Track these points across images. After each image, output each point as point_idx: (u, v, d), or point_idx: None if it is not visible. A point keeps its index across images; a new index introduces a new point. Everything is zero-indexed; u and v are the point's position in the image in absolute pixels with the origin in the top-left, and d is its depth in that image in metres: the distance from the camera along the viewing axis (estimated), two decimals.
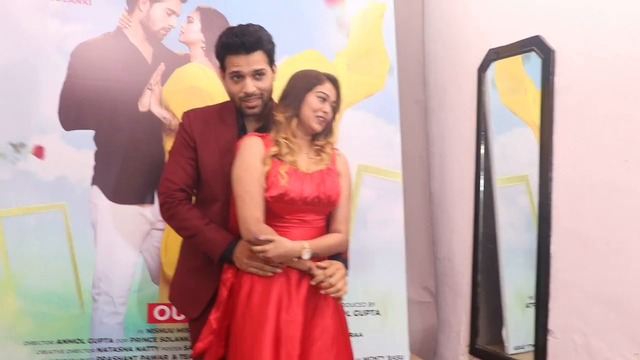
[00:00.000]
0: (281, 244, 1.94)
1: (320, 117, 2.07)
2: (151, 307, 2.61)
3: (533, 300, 2.47)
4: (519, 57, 2.62)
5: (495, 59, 2.76)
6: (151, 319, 2.60)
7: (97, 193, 2.55)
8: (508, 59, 2.70)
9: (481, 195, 2.82)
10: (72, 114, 2.54)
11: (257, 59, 2.11)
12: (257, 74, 2.12)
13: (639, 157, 2.05)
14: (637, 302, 2.04)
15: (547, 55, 2.44)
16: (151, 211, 2.58)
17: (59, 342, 2.49)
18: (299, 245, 1.97)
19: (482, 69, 2.81)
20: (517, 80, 2.68)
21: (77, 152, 2.54)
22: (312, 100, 2.06)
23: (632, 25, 2.09)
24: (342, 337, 2.07)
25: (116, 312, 2.50)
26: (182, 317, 2.56)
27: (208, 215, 2.13)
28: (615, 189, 2.13)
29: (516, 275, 2.63)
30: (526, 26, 2.56)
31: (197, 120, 2.20)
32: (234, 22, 2.74)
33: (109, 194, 2.56)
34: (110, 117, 2.57)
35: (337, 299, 2.07)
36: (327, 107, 2.08)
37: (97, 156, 2.57)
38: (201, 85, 2.73)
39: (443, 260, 3.08)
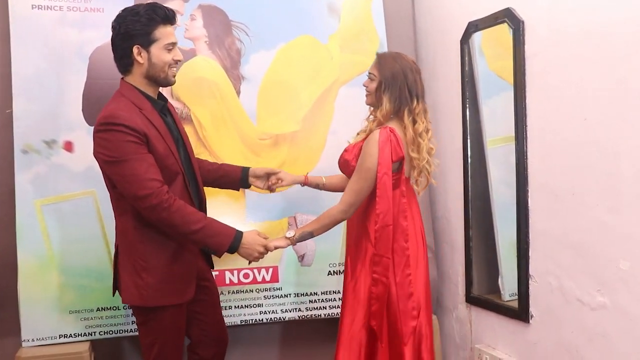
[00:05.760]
0: None
1: None
2: None
3: None
4: (504, 26, 2.81)
5: (474, 31, 2.96)
6: None
7: None
8: (493, 27, 2.89)
9: (469, 157, 3.05)
10: (94, 110, 2.83)
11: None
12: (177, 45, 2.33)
13: (595, 116, 2.26)
14: (597, 245, 2.27)
15: (517, 26, 2.64)
16: None
17: (98, 310, 2.85)
18: None
19: (464, 40, 3.02)
20: (503, 47, 2.85)
21: None
22: None
23: None
24: None
25: None
26: None
27: (174, 191, 2.24)
28: (577, 145, 2.34)
29: (509, 228, 2.78)
30: None
31: (132, 117, 2.19)
32: (233, 16, 3.06)
33: None
34: None
35: None
36: None
37: None
38: (207, 76, 3.02)
39: (441, 219, 3.34)
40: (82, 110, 2.85)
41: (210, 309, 2.54)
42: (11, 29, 2.79)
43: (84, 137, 2.83)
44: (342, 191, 2.49)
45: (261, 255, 2.34)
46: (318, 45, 3.15)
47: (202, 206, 2.47)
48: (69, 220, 2.82)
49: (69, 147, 2.83)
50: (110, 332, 2.87)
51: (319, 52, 3.14)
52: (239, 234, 2.29)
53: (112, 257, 2.79)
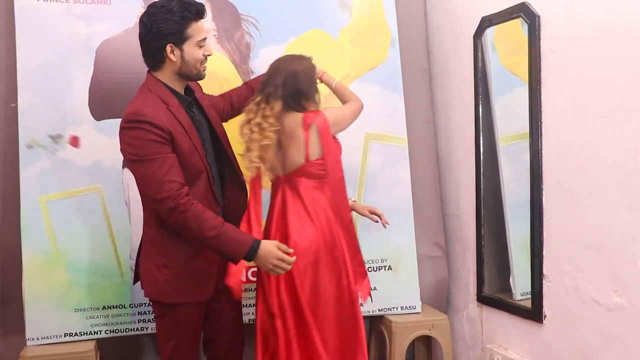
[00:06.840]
0: None
1: None
2: None
3: None
4: (517, 21, 2.76)
5: (488, 26, 2.92)
6: None
7: (128, 175, 2.77)
8: (506, 22, 2.84)
9: (482, 154, 3.00)
10: (101, 105, 2.80)
11: None
12: None
13: (614, 113, 2.21)
14: (615, 245, 2.23)
15: (532, 21, 2.60)
16: None
17: (104, 308, 2.80)
18: None
19: (477, 35, 2.97)
20: (516, 42, 2.80)
21: (109, 139, 2.74)
22: None
23: None
24: None
25: None
26: None
27: (197, 188, 2.23)
28: (595, 143, 2.30)
29: (522, 227, 2.74)
30: None
31: (157, 114, 2.13)
32: (243, 9, 3.01)
33: None
34: None
35: None
36: None
37: None
38: (216, 70, 2.94)
39: (452, 217, 3.29)
40: (89, 104, 2.80)
41: (227, 305, 2.47)
42: (16, 21, 2.74)
43: (90, 132, 2.78)
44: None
45: (275, 267, 2.26)
46: (329, 39, 3.10)
47: (243, 198, 2.48)
48: (74, 217, 2.77)
49: (74, 142, 2.79)
50: (117, 331, 2.82)
51: (330, 46, 3.08)
52: (256, 243, 2.23)
53: (119, 254, 2.82)
